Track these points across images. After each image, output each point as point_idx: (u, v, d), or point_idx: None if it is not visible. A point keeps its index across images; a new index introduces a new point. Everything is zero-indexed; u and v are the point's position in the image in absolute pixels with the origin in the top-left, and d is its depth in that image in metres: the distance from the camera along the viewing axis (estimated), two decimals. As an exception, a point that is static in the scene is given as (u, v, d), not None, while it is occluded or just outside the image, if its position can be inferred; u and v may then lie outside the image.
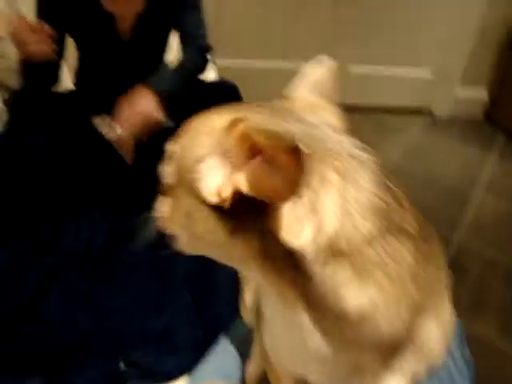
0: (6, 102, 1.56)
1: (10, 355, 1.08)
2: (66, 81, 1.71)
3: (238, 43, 2.34)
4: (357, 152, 0.44)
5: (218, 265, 0.52)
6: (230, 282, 1.17)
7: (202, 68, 1.59)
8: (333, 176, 0.42)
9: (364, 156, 0.45)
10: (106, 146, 1.40)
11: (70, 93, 1.64)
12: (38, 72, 1.43)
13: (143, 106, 1.38)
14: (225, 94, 1.53)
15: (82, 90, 1.63)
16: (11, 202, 1.29)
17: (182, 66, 1.52)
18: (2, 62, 1.55)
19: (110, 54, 1.52)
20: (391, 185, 0.45)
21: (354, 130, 0.50)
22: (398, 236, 0.44)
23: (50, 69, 1.47)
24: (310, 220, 0.41)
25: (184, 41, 1.56)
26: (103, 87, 1.56)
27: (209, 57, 1.61)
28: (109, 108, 1.45)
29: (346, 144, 0.45)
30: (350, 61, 2.49)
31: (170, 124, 1.39)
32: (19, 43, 1.29)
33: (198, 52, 1.56)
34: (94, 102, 1.55)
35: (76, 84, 1.69)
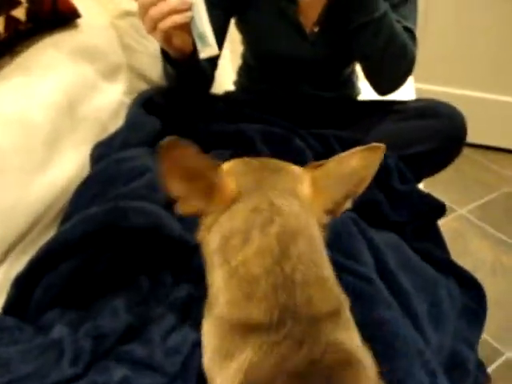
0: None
1: None
2: (224, 80, 1.36)
3: (439, 68, 2.07)
4: None
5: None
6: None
7: (409, 56, 1.09)
8: None
9: None
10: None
11: (229, 94, 1.30)
12: (185, 69, 0.99)
13: None
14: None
15: (246, 91, 1.29)
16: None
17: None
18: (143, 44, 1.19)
19: (288, 50, 1.15)
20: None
21: None
22: None
23: (200, 65, 1.01)
24: None
25: None
26: (274, 89, 1.23)
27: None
28: (279, 112, 1.17)
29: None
30: None
31: None
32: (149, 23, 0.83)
33: (408, 35, 1.08)
34: (261, 105, 1.21)
35: (238, 83, 1.35)
